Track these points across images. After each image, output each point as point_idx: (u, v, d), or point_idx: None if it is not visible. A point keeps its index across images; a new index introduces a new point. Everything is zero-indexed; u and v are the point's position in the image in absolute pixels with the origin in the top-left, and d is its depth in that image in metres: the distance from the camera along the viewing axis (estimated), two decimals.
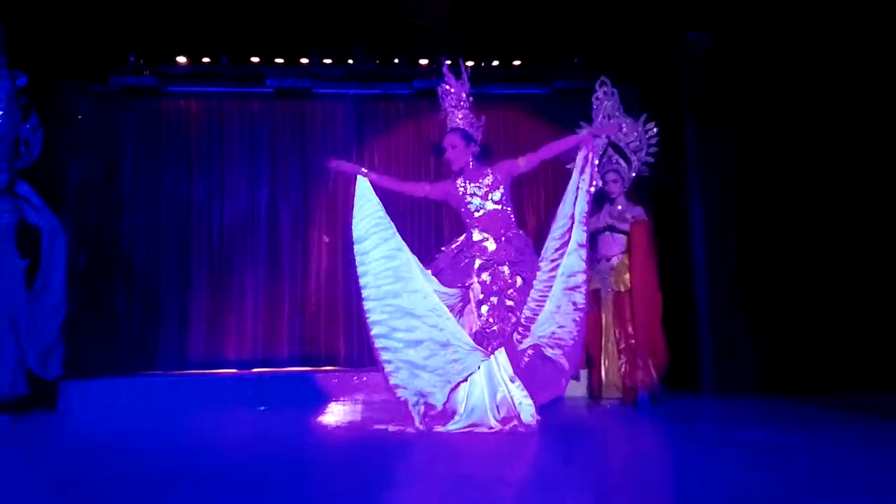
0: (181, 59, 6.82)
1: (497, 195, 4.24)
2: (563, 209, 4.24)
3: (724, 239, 5.79)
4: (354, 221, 4.15)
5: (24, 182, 5.16)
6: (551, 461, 3.20)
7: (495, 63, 7.01)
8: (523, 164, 4.30)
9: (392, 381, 3.99)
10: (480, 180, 4.26)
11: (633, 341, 5.19)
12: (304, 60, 6.91)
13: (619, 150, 5.57)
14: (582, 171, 4.29)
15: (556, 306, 4.06)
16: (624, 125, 5.53)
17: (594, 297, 5.39)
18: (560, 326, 4.05)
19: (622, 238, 5.37)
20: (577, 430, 4.22)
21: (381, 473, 2.88)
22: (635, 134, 5.55)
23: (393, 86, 7.19)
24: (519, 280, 4.14)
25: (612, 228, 5.38)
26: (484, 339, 4.04)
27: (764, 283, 5.70)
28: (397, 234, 4.18)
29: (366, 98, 7.27)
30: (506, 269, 4.14)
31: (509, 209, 4.28)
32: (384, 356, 3.99)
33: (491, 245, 4.19)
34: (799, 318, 5.63)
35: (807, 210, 5.73)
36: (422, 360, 3.97)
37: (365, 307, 4.04)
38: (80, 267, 5.95)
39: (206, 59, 6.84)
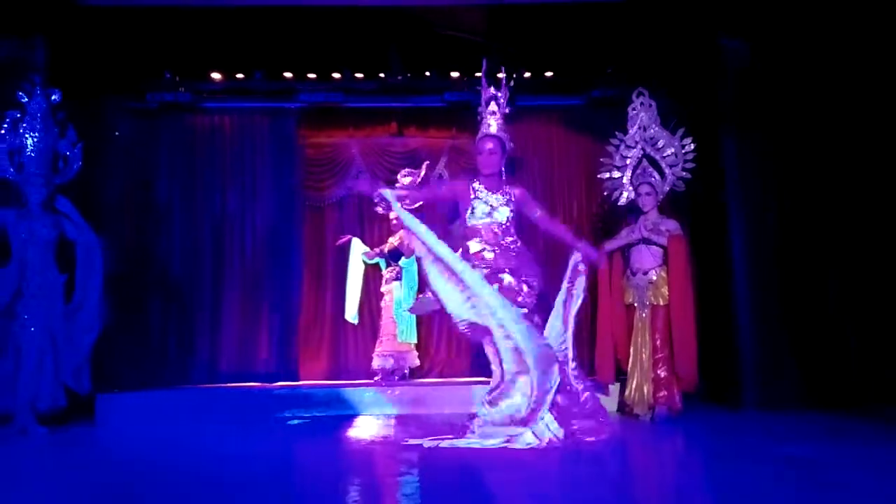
0: (216, 76, 6.92)
1: (505, 212, 4.24)
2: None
3: (764, 250, 5.65)
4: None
5: (64, 198, 5.23)
6: (582, 479, 3.11)
7: (527, 74, 6.97)
8: (538, 216, 4.35)
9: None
10: (497, 193, 4.26)
11: (660, 356, 5.10)
12: (337, 75, 6.95)
13: (654, 163, 5.50)
14: (571, 282, 4.41)
15: None
16: (661, 140, 5.48)
17: (627, 311, 5.32)
18: None
19: (658, 251, 5.26)
20: (613, 444, 4.13)
21: (415, 491, 2.83)
22: (671, 149, 5.48)
23: (425, 99, 7.20)
24: (525, 287, 4.13)
25: (647, 241, 5.28)
26: None
27: (807, 293, 5.54)
28: None
29: (398, 111, 7.30)
30: (507, 276, 4.11)
31: (511, 228, 4.28)
32: None
33: (489, 254, 4.17)
34: (844, 329, 5.45)
35: (850, 219, 5.56)
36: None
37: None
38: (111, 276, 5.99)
39: (239, 75, 6.92)
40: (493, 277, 4.08)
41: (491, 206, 4.22)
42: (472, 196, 4.25)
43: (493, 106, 4.40)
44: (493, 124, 4.35)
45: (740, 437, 4.26)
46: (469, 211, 4.26)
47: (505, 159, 4.33)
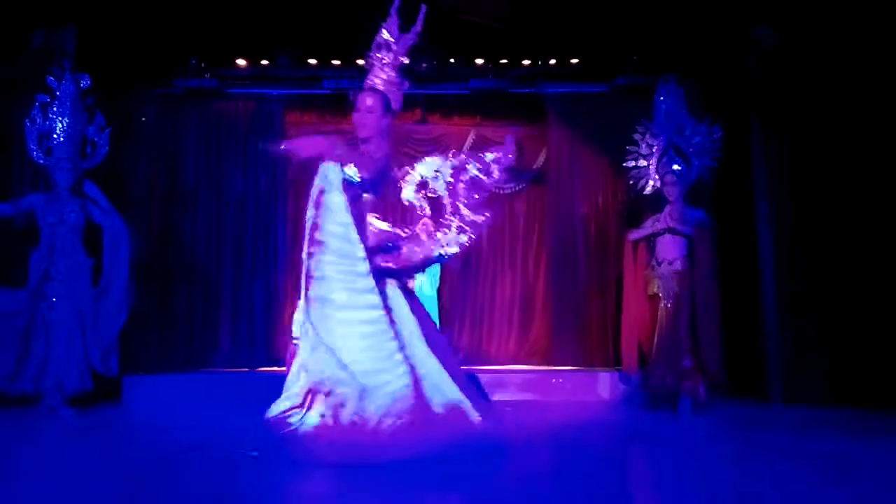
0: (241, 62, 6.94)
1: (350, 168, 3.31)
2: None
3: (792, 241, 5.55)
4: None
5: (91, 182, 5.29)
6: (599, 471, 3.08)
7: (552, 62, 6.91)
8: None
9: None
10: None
11: (684, 347, 5.07)
12: (361, 62, 6.92)
13: (679, 152, 5.44)
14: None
15: None
16: (687, 128, 5.42)
17: (651, 301, 5.28)
18: None
19: (684, 241, 5.21)
20: (636, 438, 4.10)
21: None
22: (698, 137, 5.41)
23: (449, 85, 7.16)
24: None
25: (672, 231, 5.23)
26: None
27: (836, 287, 5.43)
28: None
29: (422, 98, 7.28)
30: None
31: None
32: None
33: None
34: (874, 325, 5.34)
35: (883, 211, 5.43)
36: None
37: None
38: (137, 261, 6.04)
39: (264, 62, 6.94)
40: None
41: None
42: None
43: (384, 53, 3.64)
44: (378, 77, 3.63)
45: (766, 431, 4.21)
46: None
47: (388, 118, 3.50)
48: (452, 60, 6.96)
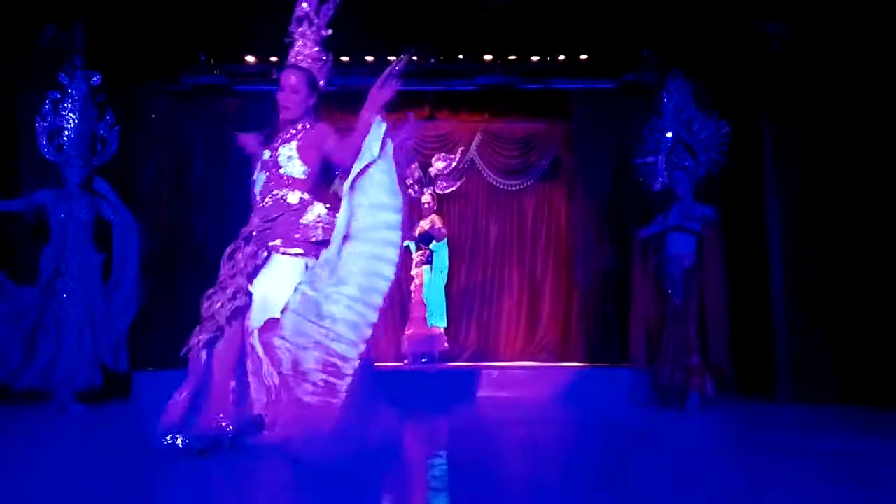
0: (249, 59, 6.96)
1: (288, 150, 3.28)
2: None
3: (802, 239, 5.53)
4: None
5: (102, 179, 5.31)
6: (614, 467, 3.08)
7: (561, 58, 6.90)
8: (331, 145, 3.24)
9: None
10: (291, 141, 3.32)
11: (692, 344, 5.06)
12: (369, 58, 6.93)
13: (688, 148, 5.43)
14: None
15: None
16: (696, 123, 5.41)
17: (660, 298, 5.27)
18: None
19: (693, 238, 5.20)
20: (644, 435, 4.10)
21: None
22: (706, 132, 5.40)
23: (457, 82, 7.16)
24: (264, 254, 3.38)
25: (681, 228, 5.22)
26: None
27: (845, 285, 5.41)
28: None
29: (430, 95, 7.28)
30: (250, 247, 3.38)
31: (293, 180, 3.27)
32: None
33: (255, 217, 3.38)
34: (883, 323, 5.32)
35: (893, 208, 5.41)
36: None
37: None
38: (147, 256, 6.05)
39: (273, 58, 6.95)
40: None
41: (285, 156, 3.29)
42: (271, 157, 3.34)
43: (304, 27, 3.49)
44: (301, 52, 3.51)
45: (774, 429, 4.20)
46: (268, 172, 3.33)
47: (314, 98, 3.41)
48: (461, 56, 6.96)
